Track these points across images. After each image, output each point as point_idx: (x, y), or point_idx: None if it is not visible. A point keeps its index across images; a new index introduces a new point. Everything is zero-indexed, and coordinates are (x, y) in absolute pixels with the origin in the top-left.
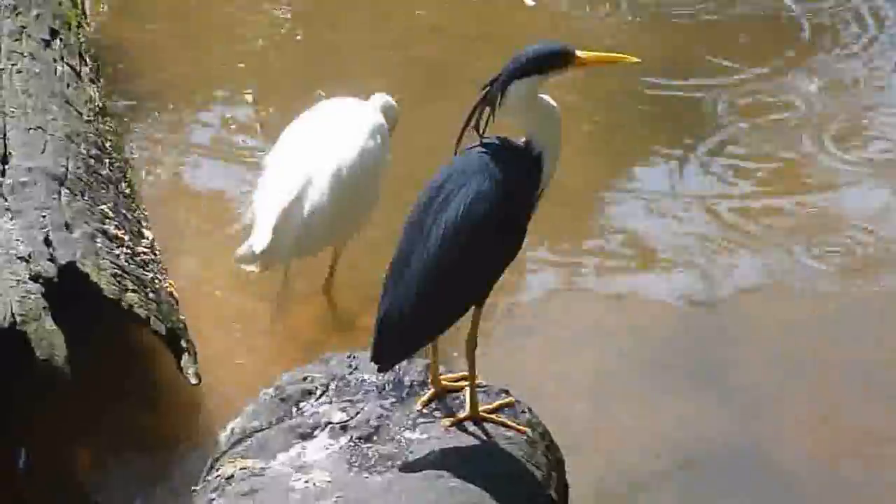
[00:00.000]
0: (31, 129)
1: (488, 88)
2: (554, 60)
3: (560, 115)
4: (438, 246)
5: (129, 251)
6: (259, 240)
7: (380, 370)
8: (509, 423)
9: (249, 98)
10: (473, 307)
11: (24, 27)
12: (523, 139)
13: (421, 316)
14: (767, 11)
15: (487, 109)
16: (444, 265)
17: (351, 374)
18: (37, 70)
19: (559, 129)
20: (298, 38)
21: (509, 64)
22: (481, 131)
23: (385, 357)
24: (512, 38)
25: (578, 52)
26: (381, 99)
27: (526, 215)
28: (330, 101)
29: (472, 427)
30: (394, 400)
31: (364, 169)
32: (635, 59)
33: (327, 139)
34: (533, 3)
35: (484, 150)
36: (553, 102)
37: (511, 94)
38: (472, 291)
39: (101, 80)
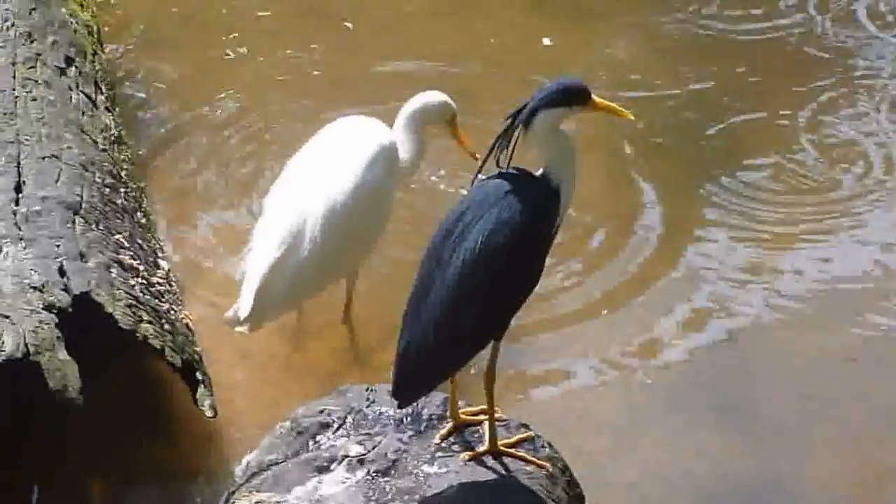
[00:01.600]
0: (45, 157)
1: (515, 116)
2: (578, 97)
3: (576, 150)
4: (457, 278)
5: (144, 281)
6: (243, 305)
7: (400, 406)
8: (529, 457)
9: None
10: (492, 340)
11: (39, 54)
12: (540, 170)
13: (441, 350)
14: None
15: (512, 138)
16: (463, 298)
17: (368, 406)
18: (52, 98)
19: (575, 162)
20: (318, 68)
21: (538, 93)
22: (506, 161)
23: (405, 392)
24: (529, 71)
25: (594, 96)
26: (419, 101)
27: (544, 247)
28: (339, 123)
29: (490, 461)
30: (412, 433)
31: (360, 206)
32: (632, 117)
33: (324, 177)
34: (550, 42)
35: (502, 180)
36: (570, 140)
37: (538, 122)
38: (491, 324)
39: (117, 109)
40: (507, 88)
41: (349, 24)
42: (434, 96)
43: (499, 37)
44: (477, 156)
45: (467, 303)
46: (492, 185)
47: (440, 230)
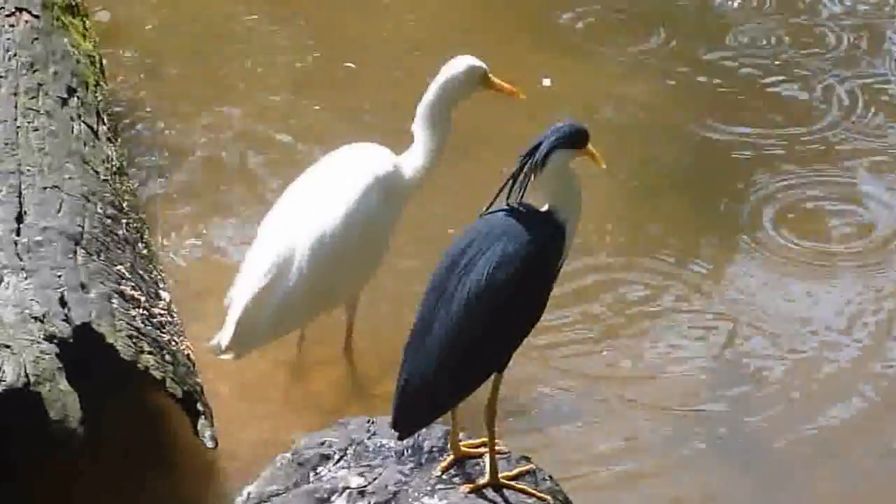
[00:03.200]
0: (47, 187)
1: (530, 155)
2: (584, 138)
3: (580, 191)
4: (462, 312)
5: (145, 312)
6: (225, 334)
7: (400, 437)
8: (530, 489)
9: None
10: (495, 374)
11: (41, 84)
12: (545, 206)
13: (443, 383)
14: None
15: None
16: (467, 332)
17: (369, 438)
18: (53, 128)
19: (580, 202)
20: (319, 96)
21: (550, 133)
22: (517, 197)
23: (405, 424)
24: (531, 106)
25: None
26: (442, 76)
27: (549, 282)
28: (341, 151)
29: (491, 494)
30: (413, 465)
31: (351, 237)
32: (604, 166)
33: (316, 206)
34: (549, 83)
35: (508, 213)
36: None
37: (551, 162)
38: (494, 357)
39: (119, 140)
40: (509, 129)
41: (352, 64)
42: (457, 63)
43: (499, 75)
44: (522, 96)
45: (472, 336)
46: (497, 219)
47: (444, 262)
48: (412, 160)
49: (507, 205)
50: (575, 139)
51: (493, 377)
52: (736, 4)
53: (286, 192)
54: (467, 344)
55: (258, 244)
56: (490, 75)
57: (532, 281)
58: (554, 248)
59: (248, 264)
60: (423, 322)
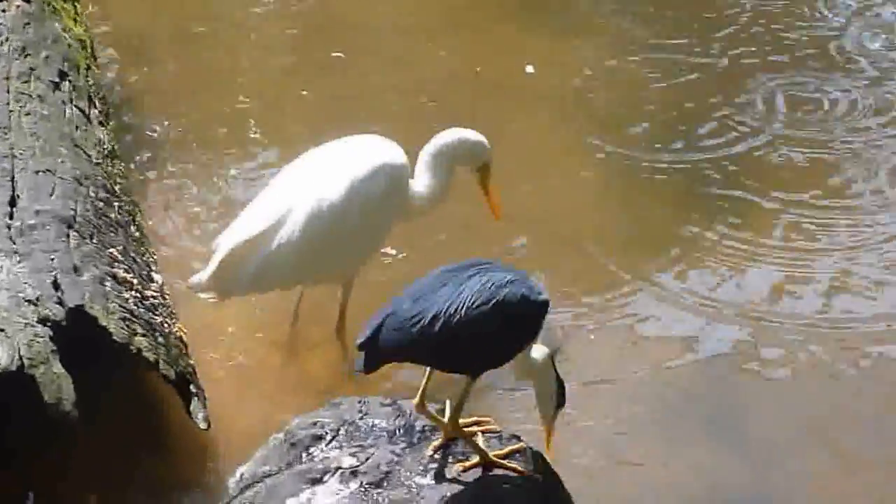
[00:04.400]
0: (39, 171)
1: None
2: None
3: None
4: (477, 291)
5: (138, 295)
6: (206, 273)
7: (366, 371)
8: (521, 469)
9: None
10: (467, 380)
11: (32, 69)
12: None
13: (427, 339)
14: None
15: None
16: (476, 314)
17: (362, 419)
18: (45, 112)
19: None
20: (312, 81)
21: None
22: None
23: (372, 358)
24: (526, 87)
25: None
26: (454, 135)
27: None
28: (354, 137)
29: (483, 473)
30: (405, 445)
31: (348, 212)
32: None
33: (322, 177)
34: (532, 71)
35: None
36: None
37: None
38: (485, 355)
39: (111, 123)
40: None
41: (340, 54)
42: (472, 134)
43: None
44: (497, 215)
45: (475, 319)
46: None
47: (460, 263)
48: (418, 186)
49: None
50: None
51: (465, 382)
52: None
53: (296, 161)
54: (467, 324)
55: (258, 200)
56: (488, 170)
57: (512, 330)
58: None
59: (244, 216)
60: (426, 284)
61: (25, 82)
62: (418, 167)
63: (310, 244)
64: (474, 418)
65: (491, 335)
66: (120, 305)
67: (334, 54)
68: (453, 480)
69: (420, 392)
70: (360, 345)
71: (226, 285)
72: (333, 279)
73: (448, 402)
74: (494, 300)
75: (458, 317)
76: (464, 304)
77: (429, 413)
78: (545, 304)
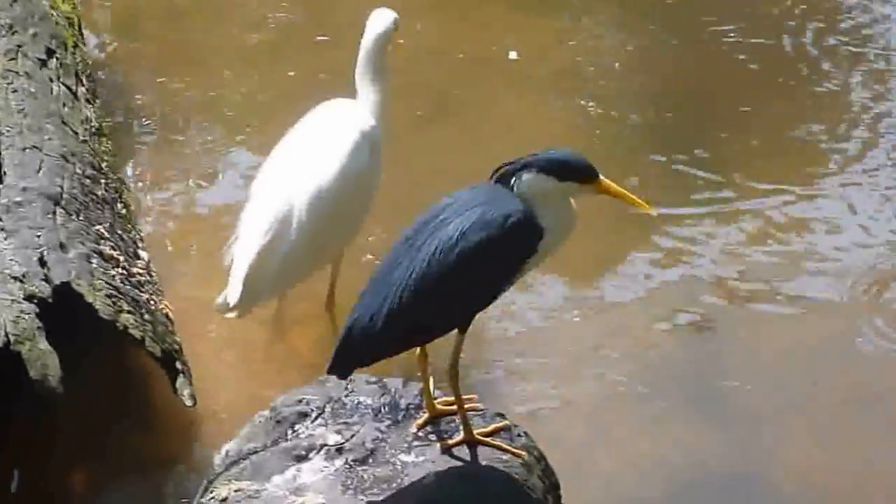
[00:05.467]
0: (26, 148)
1: (503, 169)
2: (576, 173)
3: (575, 219)
4: (426, 263)
5: (124, 272)
6: (232, 292)
7: (339, 377)
8: (505, 446)
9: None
10: (457, 333)
11: (20, 46)
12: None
13: (392, 327)
14: None
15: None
16: (422, 285)
17: (347, 396)
18: (32, 89)
19: (569, 229)
20: (296, 56)
21: (531, 156)
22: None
23: (343, 362)
24: (512, 64)
25: (602, 179)
26: (379, 27)
27: (510, 267)
28: (323, 108)
29: (467, 450)
30: (389, 423)
31: (346, 191)
32: (654, 213)
33: (309, 163)
34: (515, 56)
35: (495, 189)
36: (573, 207)
37: (520, 182)
38: (446, 315)
39: (98, 100)
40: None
41: (325, 37)
42: (384, 16)
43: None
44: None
45: (429, 289)
46: (481, 189)
47: (421, 218)
48: (371, 112)
49: (497, 181)
50: (564, 170)
51: (455, 339)
52: None
53: (274, 151)
54: (419, 297)
55: (254, 203)
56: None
57: (498, 255)
58: (527, 240)
59: (246, 223)
60: (384, 268)
61: (12, 59)
62: (362, 82)
63: (320, 234)
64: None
65: (469, 278)
66: (106, 282)
67: (320, 38)
68: (437, 458)
69: (426, 395)
70: (329, 370)
71: (250, 300)
72: (340, 254)
73: (431, 380)
74: (456, 254)
75: (421, 282)
76: (422, 274)
77: (443, 409)
78: (515, 227)
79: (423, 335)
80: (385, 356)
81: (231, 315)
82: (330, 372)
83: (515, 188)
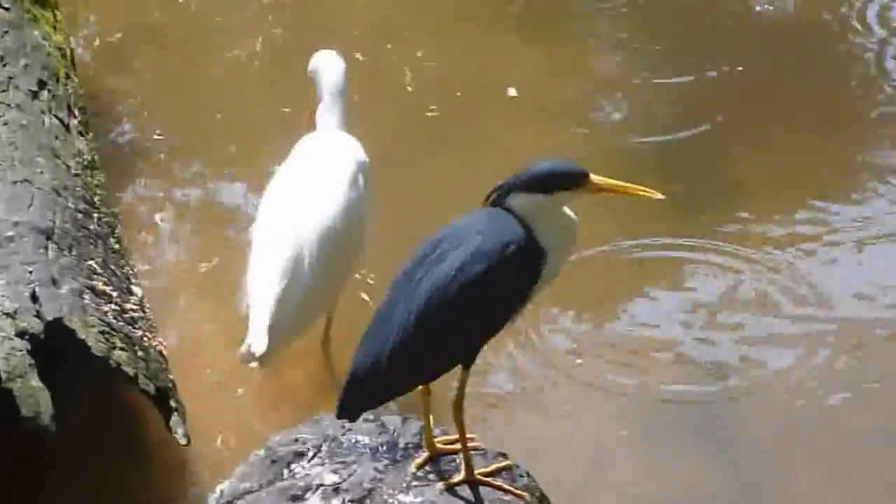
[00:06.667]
0: (17, 182)
1: (492, 197)
2: (563, 182)
3: (576, 228)
4: (425, 300)
5: (117, 308)
6: (258, 343)
7: (349, 420)
8: (507, 486)
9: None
10: (461, 369)
11: (11, 77)
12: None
13: (396, 368)
14: None
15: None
16: (424, 321)
17: (344, 435)
18: (24, 122)
19: (571, 240)
20: (288, 86)
21: (513, 177)
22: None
23: (351, 406)
24: (501, 104)
25: (593, 177)
26: (336, 65)
27: (515, 294)
28: (312, 141)
29: (467, 491)
30: (388, 462)
31: (350, 225)
32: (659, 196)
33: (311, 199)
34: (515, 94)
35: (493, 214)
36: (570, 214)
37: (513, 205)
38: (450, 352)
39: (90, 133)
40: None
41: None
42: (333, 58)
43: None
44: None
45: (428, 327)
46: (480, 215)
47: (419, 251)
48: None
49: (493, 205)
50: (550, 182)
51: (460, 374)
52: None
53: (270, 190)
54: (421, 335)
55: (261, 246)
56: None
57: (498, 286)
58: (529, 266)
59: (257, 268)
60: (385, 307)
61: (3, 91)
62: (327, 115)
63: (333, 271)
64: (456, 436)
65: (471, 312)
66: (99, 319)
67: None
68: (437, 498)
69: (426, 433)
70: (337, 416)
71: (279, 345)
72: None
73: (430, 420)
74: (456, 289)
75: (422, 321)
76: (422, 312)
77: (443, 448)
78: (515, 255)
79: (429, 374)
80: (393, 397)
81: (256, 365)
82: (339, 417)
83: (511, 209)
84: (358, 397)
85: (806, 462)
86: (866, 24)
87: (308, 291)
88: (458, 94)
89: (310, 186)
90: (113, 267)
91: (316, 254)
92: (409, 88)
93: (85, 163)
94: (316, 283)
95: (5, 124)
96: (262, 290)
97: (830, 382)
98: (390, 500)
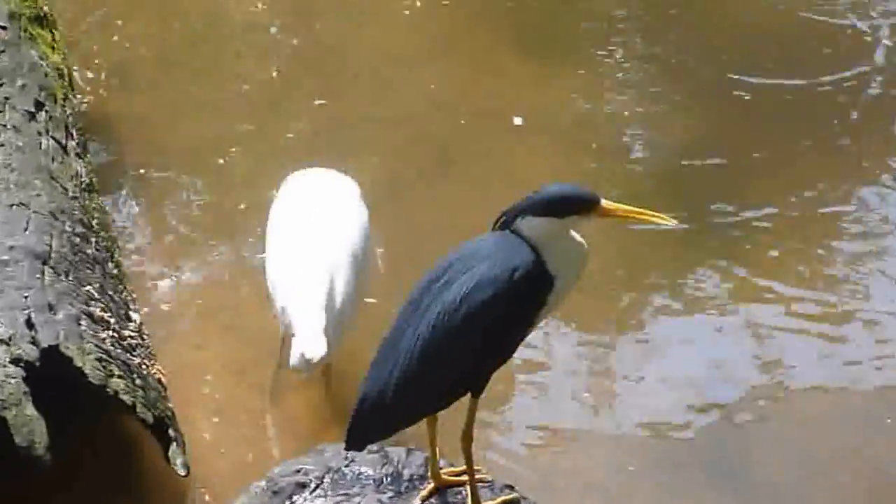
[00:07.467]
0: (13, 205)
1: (501, 220)
2: (574, 207)
3: (585, 253)
4: (432, 328)
5: (115, 335)
6: (316, 348)
7: (357, 450)
8: None
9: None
10: (470, 398)
11: (7, 98)
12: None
13: (403, 397)
14: None
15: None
16: (434, 349)
17: (347, 466)
18: (20, 143)
19: (580, 266)
20: (294, 109)
21: (523, 200)
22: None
23: (358, 437)
24: (508, 131)
25: (604, 202)
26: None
27: (522, 321)
28: (304, 177)
29: None
30: (392, 494)
31: (367, 243)
32: (673, 222)
33: (329, 223)
34: (521, 123)
35: (502, 238)
36: (580, 240)
37: (521, 228)
38: (458, 380)
39: (88, 155)
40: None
41: (323, 101)
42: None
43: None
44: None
45: (437, 355)
46: (487, 241)
47: (425, 278)
48: None
49: (502, 229)
50: (561, 207)
51: (469, 404)
52: None
53: (273, 224)
54: (427, 364)
55: (286, 270)
56: None
57: (504, 313)
58: (537, 291)
59: (291, 285)
60: (392, 336)
61: (0, 112)
62: None
63: (360, 290)
64: (462, 467)
65: (478, 339)
66: (96, 345)
67: (318, 102)
68: None
69: (432, 464)
70: (345, 447)
71: (333, 346)
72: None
73: (437, 450)
74: (461, 316)
75: (428, 349)
76: (428, 340)
77: (448, 480)
78: (522, 281)
79: (437, 403)
80: (400, 427)
81: (306, 375)
82: (347, 448)
83: (521, 232)
84: (366, 427)
85: (818, 497)
86: None
87: (346, 301)
88: (468, 107)
89: (323, 213)
90: (111, 292)
91: (349, 270)
92: (416, 112)
93: (83, 185)
94: (351, 294)
95: (1, 146)
96: (304, 303)
97: (846, 415)
98: None
